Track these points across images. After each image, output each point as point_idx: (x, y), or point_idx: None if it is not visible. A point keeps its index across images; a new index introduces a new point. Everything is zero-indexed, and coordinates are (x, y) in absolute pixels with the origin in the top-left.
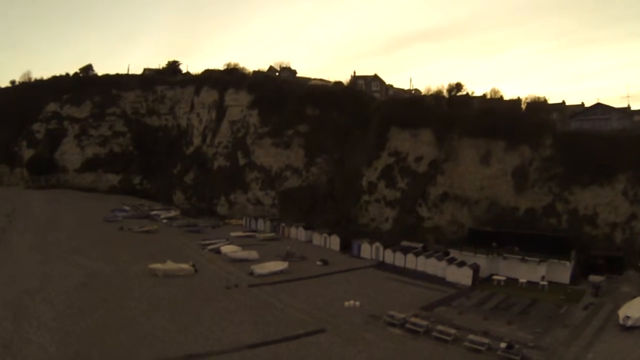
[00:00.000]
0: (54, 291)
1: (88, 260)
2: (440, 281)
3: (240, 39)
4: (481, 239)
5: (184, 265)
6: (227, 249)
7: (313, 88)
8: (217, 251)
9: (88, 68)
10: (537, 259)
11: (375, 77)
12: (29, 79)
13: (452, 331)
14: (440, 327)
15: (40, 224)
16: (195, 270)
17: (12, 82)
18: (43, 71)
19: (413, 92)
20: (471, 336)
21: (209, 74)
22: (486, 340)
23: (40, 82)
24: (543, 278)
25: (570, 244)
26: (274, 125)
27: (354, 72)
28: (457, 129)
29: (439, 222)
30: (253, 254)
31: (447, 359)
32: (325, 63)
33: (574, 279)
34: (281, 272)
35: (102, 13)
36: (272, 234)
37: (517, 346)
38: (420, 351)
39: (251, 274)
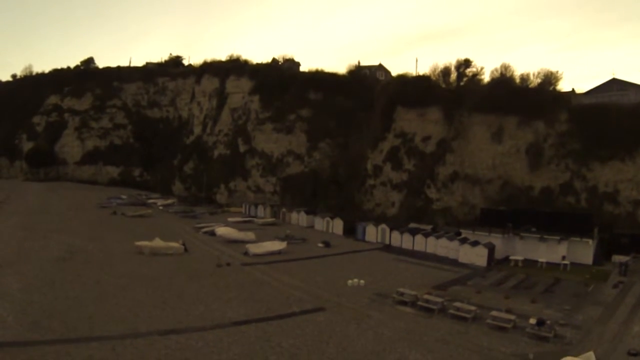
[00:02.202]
0: (28, 264)
1: (72, 238)
2: (453, 262)
3: (245, 39)
4: (495, 219)
5: (173, 244)
6: (222, 230)
7: (316, 73)
8: (212, 233)
9: (89, 61)
10: (557, 237)
11: (380, 67)
12: (31, 72)
13: (472, 308)
14: (457, 304)
15: (32, 208)
16: (185, 249)
17: (14, 76)
18: (45, 66)
19: None
20: (494, 313)
21: (210, 64)
22: (512, 317)
23: (41, 76)
24: (564, 258)
25: (592, 221)
26: (275, 110)
27: (359, 62)
28: (466, 105)
29: (448, 204)
30: (249, 235)
31: (468, 338)
32: (331, 63)
33: (597, 259)
34: (279, 252)
35: (106, 9)
36: (272, 220)
37: (548, 322)
38: (437, 330)
39: (246, 253)
